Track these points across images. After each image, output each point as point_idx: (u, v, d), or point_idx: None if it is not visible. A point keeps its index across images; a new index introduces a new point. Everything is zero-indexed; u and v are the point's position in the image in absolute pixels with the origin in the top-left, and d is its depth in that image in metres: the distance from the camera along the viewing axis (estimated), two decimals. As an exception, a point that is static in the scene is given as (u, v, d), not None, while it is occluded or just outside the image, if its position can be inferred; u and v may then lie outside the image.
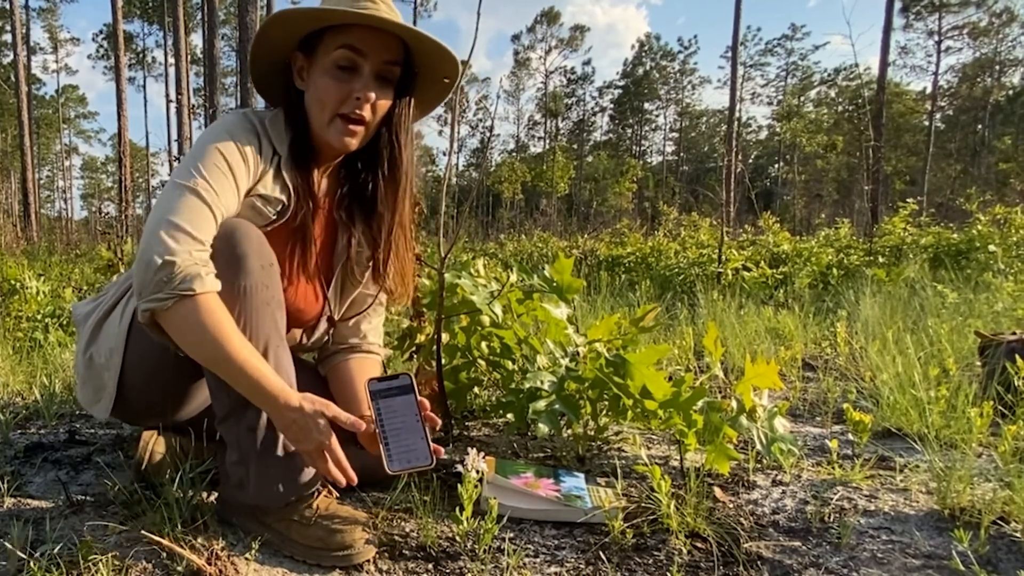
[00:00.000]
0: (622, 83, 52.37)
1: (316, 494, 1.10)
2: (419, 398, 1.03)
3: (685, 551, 1.08)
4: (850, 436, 1.58)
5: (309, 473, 1.09)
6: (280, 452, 1.07)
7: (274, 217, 1.14)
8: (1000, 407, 1.59)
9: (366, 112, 1.12)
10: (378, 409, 1.02)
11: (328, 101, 1.11)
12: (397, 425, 1.01)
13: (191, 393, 1.23)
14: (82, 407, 1.90)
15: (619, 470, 1.37)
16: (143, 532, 1.04)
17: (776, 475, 1.41)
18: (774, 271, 4.93)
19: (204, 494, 1.19)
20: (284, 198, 1.15)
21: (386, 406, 1.02)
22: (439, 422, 1.03)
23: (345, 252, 1.27)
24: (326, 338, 1.33)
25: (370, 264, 1.28)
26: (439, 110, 1.31)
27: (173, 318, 0.97)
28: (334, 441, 1.00)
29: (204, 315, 0.96)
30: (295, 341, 1.28)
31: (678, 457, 1.47)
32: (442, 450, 1.02)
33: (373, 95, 1.11)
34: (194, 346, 0.99)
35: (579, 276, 1.64)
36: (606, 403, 1.49)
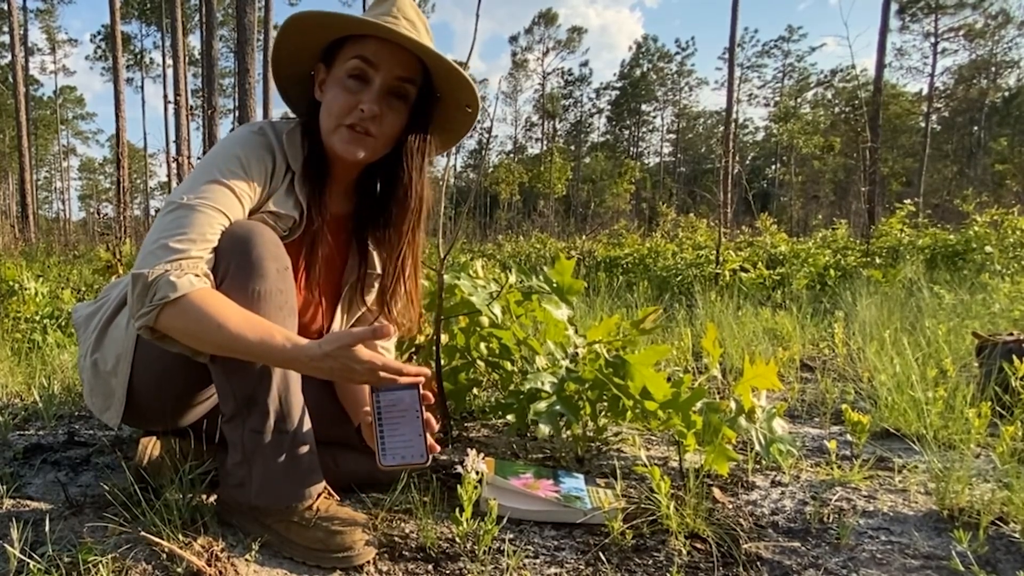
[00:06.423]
0: (619, 84, 52.47)
1: (317, 496, 1.10)
2: (422, 392, 1.00)
3: (685, 552, 1.08)
4: (848, 437, 1.59)
5: (311, 475, 1.09)
6: (283, 454, 1.06)
7: (285, 233, 1.14)
8: (998, 408, 1.60)
9: (371, 126, 1.10)
10: (377, 402, 0.99)
11: (334, 110, 1.11)
12: (395, 419, 0.98)
13: (199, 398, 1.22)
14: (83, 409, 1.91)
15: (618, 471, 1.37)
16: (143, 533, 1.04)
17: (775, 476, 1.42)
18: (771, 272, 4.94)
19: (204, 495, 1.19)
20: (296, 215, 1.15)
21: (385, 399, 0.99)
22: (436, 426, 1.01)
23: (355, 272, 1.27)
24: None
25: (376, 287, 1.28)
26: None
27: (165, 327, 0.98)
28: (379, 359, 0.96)
29: (190, 316, 0.95)
30: None
31: (677, 458, 1.47)
32: (438, 447, 1.00)
33: (378, 109, 1.09)
34: (198, 344, 1.00)
35: (577, 277, 1.64)
36: (605, 404, 1.49)
